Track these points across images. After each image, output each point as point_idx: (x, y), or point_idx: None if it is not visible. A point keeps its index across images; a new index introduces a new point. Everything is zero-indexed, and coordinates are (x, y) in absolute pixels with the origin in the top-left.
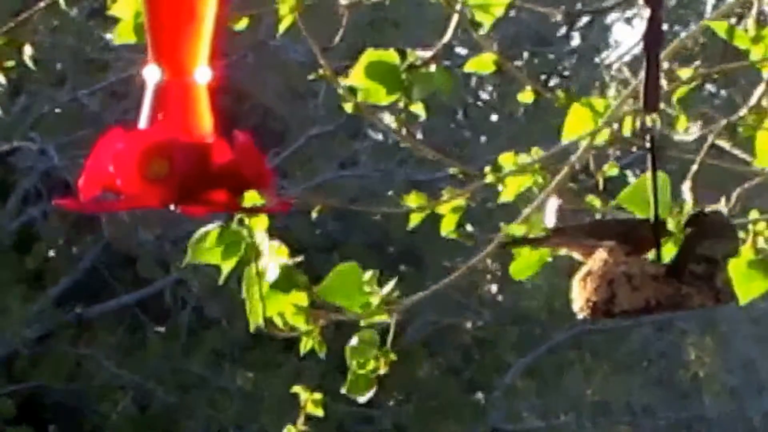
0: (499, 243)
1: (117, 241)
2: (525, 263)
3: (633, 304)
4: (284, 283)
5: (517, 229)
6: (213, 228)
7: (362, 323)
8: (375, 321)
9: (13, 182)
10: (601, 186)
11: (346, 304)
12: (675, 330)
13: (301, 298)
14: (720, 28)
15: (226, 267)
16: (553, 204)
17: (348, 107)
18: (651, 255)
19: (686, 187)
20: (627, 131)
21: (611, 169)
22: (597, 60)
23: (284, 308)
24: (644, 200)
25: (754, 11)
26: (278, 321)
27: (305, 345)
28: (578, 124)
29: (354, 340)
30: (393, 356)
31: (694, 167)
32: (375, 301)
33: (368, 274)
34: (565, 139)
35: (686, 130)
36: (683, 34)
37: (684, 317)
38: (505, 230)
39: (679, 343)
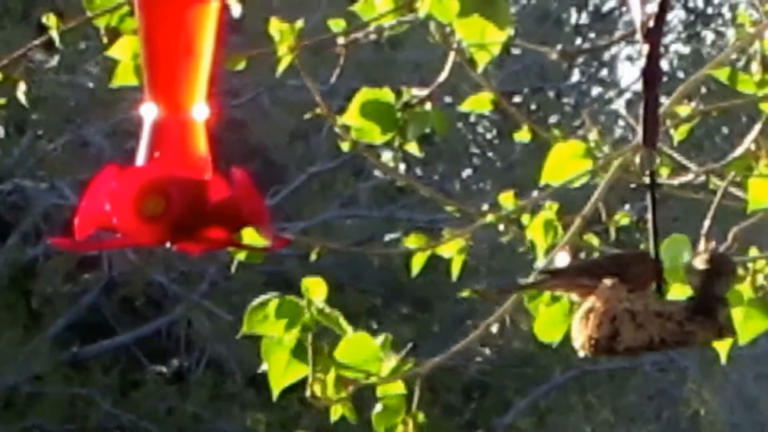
0: (496, 290)
1: (123, 279)
2: (549, 320)
3: (637, 341)
4: (305, 352)
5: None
6: (270, 298)
7: (380, 391)
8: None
9: (15, 221)
10: (613, 236)
11: (362, 374)
12: (676, 368)
13: (321, 366)
14: (722, 75)
15: (289, 338)
16: (563, 259)
17: (345, 146)
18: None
19: (704, 232)
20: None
21: (623, 219)
22: (603, 94)
23: (301, 376)
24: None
25: (758, 56)
26: (317, 390)
27: (335, 412)
28: (558, 169)
29: (379, 407)
30: (421, 417)
31: (708, 222)
32: (390, 364)
33: (380, 339)
34: (545, 179)
35: (671, 171)
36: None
37: (684, 355)
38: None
39: (679, 380)
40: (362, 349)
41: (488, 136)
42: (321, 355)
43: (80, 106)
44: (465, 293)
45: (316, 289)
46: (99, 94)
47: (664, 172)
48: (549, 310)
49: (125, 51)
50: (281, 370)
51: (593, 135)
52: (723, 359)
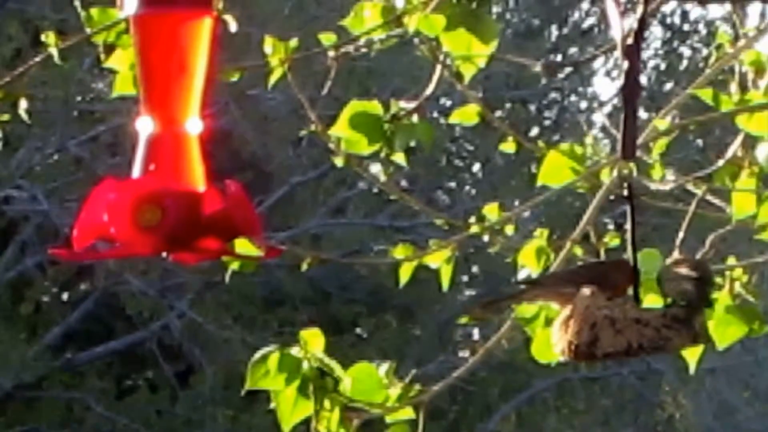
0: (480, 303)
1: (115, 288)
2: (547, 342)
3: (615, 346)
4: (313, 389)
5: (529, 310)
6: (270, 351)
7: (389, 419)
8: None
9: (11, 232)
10: (602, 257)
11: (369, 405)
12: (652, 373)
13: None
14: (706, 95)
15: (290, 391)
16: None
17: (339, 161)
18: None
19: (678, 242)
20: (605, 179)
21: (612, 240)
22: (582, 108)
23: (309, 413)
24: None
25: (736, 76)
26: (323, 429)
27: None
28: (554, 172)
29: None
30: None
31: (682, 234)
32: (395, 392)
33: (385, 368)
34: (541, 181)
35: (662, 179)
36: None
37: (661, 360)
38: (518, 312)
39: (655, 386)
40: (366, 380)
41: (470, 147)
42: (327, 391)
43: (64, 118)
44: (463, 320)
45: (313, 340)
46: (84, 105)
47: (654, 182)
48: (546, 332)
49: (122, 62)
50: (289, 409)
51: (588, 140)
52: (692, 370)
